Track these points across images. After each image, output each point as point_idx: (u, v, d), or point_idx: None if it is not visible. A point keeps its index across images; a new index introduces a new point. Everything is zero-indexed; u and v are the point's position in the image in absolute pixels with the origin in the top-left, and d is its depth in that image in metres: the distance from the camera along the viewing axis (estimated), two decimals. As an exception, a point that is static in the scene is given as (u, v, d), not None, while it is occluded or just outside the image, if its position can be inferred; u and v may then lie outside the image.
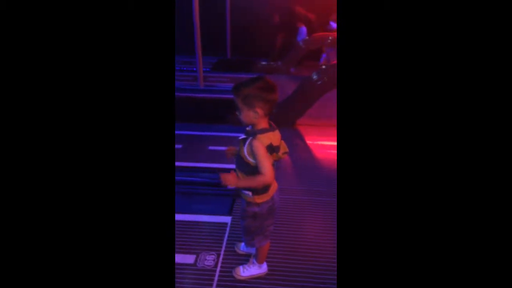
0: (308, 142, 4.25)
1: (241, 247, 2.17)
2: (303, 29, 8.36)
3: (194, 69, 6.26)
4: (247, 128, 1.61)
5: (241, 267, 1.99)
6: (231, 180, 1.56)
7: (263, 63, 8.34)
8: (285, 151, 1.63)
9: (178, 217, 2.53)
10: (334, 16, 8.00)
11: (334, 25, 8.03)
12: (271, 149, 1.53)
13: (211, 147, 3.90)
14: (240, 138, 1.60)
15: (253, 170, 1.56)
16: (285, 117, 4.58)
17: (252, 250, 2.01)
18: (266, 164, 1.51)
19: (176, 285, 1.95)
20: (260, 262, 1.96)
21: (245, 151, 1.54)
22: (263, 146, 1.50)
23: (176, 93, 5.77)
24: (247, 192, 1.66)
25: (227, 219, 2.52)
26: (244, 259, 2.10)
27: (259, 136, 1.52)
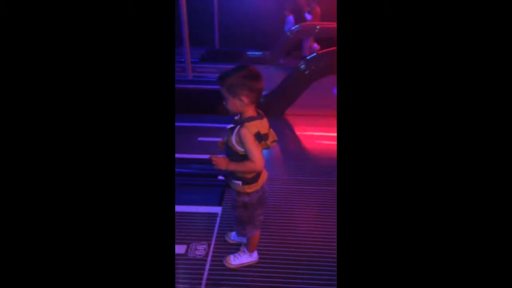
0: (297, 132, 4.28)
1: (232, 236, 2.20)
2: (291, 18, 8.32)
3: (182, 59, 6.21)
4: (236, 118, 1.62)
5: (231, 256, 2.02)
6: (222, 163, 1.58)
7: (251, 53, 8.30)
8: (274, 139, 1.64)
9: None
10: (308, 8, 8.00)
11: (308, 16, 8.03)
12: (259, 137, 1.54)
13: (200, 138, 3.90)
14: (228, 127, 1.61)
15: (243, 159, 1.57)
16: (274, 107, 4.59)
17: (243, 239, 2.04)
18: (255, 151, 1.53)
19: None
20: (250, 251, 1.99)
21: (233, 140, 1.56)
22: (250, 134, 1.52)
23: (164, 84, 5.68)
24: (237, 181, 1.68)
25: (217, 209, 2.54)
26: (235, 248, 2.12)
27: (246, 124, 1.53)
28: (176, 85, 5.79)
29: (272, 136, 1.64)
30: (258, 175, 1.67)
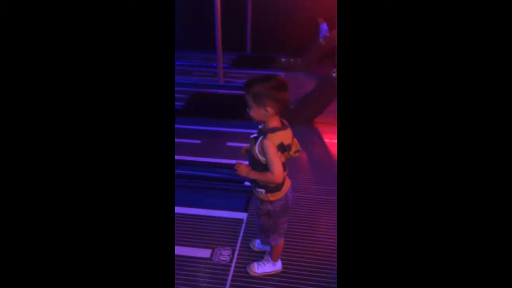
0: (326, 140, 4.22)
1: (256, 244, 2.19)
2: (324, 26, 8.27)
3: (215, 65, 6.29)
4: (260, 126, 1.62)
5: (255, 264, 2.01)
6: (243, 170, 1.60)
7: (283, 59, 8.30)
8: (297, 149, 1.62)
9: (195, 211, 2.57)
10: (322, 18, 7.93)
11: (325, 26, 7.96)
12: (282, 148, 1.53)
13: (229, 143, 3.93)
14: (252, 136, 1.61)
15: (265, 168, 1.57)
16: (303, 115, 4.56)
17: (267, 247, 2.03)
18: (275, 163, 1.51)
19: (192, 278, 1.99)
20: (274, 260, 1.98)
21: (256, 149, 1.55)
22: (273, 145, 1.51)
23: (196, 89, 5.80)
24: (260, 189, 1.67)
25: (243, 215, 2.55)
26: (259, 256, 2.12)
27: (269, 135, 1.52)
28: (207, 90, 5.87)
29: (296, 146, 1.62)
30: (281, 183, 1.66)
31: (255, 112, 1.53)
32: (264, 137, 1.52)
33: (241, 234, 2.34)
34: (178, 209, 2.59)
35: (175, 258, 2.09)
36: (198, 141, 3.90)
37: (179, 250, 2.19)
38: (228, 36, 6.54)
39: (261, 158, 1.56)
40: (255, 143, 1.57)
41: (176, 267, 2.02)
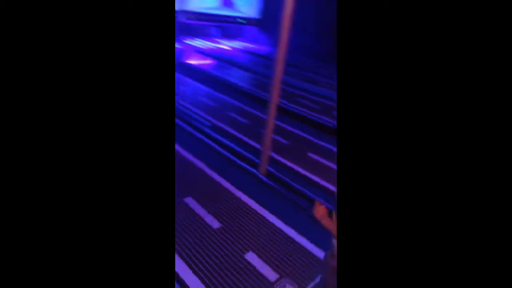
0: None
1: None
2: None
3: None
4: None
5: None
6: (318, 212, 1.40)
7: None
8: None
9: (285, 228, 2.43)
10: None
11: None
12: None
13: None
14: None
15: None
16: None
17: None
18: None
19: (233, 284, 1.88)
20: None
21: None
22: None
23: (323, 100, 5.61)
24: (334, 240, 1.45)
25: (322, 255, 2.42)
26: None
27: None
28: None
29: None
30: None
31: None
32: None
33: (317, 279, 2.16)
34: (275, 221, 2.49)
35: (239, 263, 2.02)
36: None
37: (250, 257, 2.12)
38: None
39: None
40: None
41: (237, 272, 1.93)
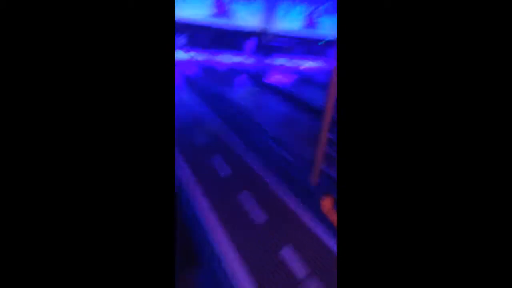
0: None
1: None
2: None
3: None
4: None
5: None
6: (325, 206, 1.46)
7: None
8: None
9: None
10: None
11: None
12: None
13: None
14: None
15: None
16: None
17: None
18: None
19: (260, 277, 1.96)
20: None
21: None
22: None
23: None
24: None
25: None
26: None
27: None
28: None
29: None
30: None
31: None
32: None
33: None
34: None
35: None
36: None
37: (286, 252, 2.13)
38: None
39: None
40: None
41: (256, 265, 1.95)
